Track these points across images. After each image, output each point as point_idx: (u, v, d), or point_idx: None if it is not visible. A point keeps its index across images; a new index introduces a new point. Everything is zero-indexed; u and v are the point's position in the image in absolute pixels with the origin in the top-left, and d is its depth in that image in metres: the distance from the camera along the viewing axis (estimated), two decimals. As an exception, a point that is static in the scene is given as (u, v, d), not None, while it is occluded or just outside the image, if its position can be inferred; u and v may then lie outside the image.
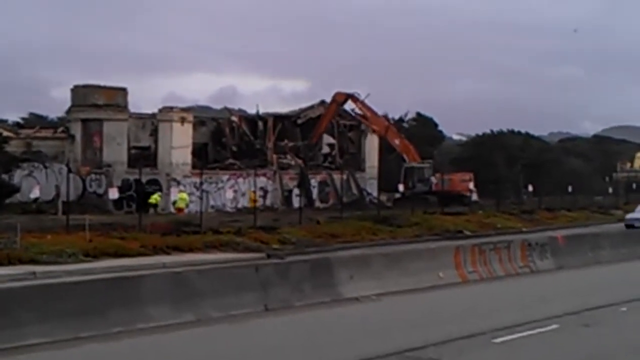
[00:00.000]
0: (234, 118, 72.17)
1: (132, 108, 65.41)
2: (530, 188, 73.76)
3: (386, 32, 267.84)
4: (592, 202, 76.40)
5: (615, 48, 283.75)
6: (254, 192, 55.16)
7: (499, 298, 25.65)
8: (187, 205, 54.67)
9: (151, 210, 54.38)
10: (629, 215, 58.04)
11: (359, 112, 73.77)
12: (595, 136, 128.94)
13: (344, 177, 66.61)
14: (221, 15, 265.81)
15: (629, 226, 53.79)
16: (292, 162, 70.17)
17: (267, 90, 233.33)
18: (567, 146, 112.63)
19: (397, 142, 72.94)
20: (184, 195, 54.69)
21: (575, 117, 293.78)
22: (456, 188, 68.77)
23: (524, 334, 18.94)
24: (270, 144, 70.40)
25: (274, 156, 69.36)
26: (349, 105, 74.46)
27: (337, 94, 73.47)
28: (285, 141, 72.07)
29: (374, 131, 73.73)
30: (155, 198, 55.60)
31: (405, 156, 71.96)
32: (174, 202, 54.37)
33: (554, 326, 19.99)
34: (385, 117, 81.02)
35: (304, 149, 71.82)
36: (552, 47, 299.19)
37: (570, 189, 74.81)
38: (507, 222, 56.49)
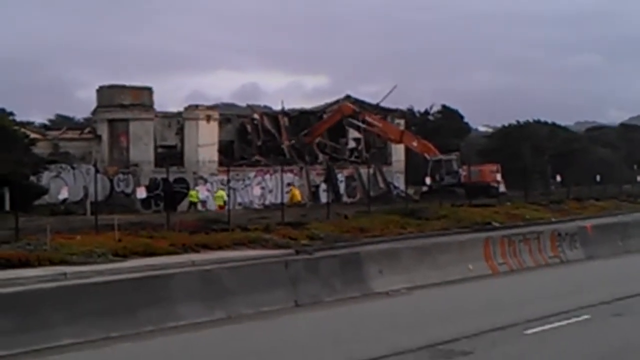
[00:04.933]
0: (256, 115, 72.15)
1: (157, 107, 65.68)
2: (558, 178, 73.46)
3: (404, 25, 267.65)
4: (620, 191, 75.89)
5: (636, 34, 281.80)
6: (292, 185, 55.45)
7: (529, 289, 25.52)
8: (225, 202, 54.59)
9: (192, 208, 54.88)
10: None
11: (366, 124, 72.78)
12: (622, 124, 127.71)
13: (371, 171, 66.46)
14: (240, 13, 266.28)
15: None
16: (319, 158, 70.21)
17: (290, 87, 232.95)
18: (594, 135, 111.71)
19: (414, 144, 72.43)
20: (222, 193, 54.75)
21: (601, 105, 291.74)
22: (486, 179, 68.43)
23: (556, 324, 18.84)
24: (285, 140, 70.16)
25: (292, 152, 69.28)
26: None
27: (344, 106, 73.07)
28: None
29: (390, 140, 73.29)
30: (194, 195, 56.01)
31: (426, 155, 71.60)
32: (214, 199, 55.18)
33: (586, 316, 19.88)
34: (401, 115, 79.73)
35: (301, 146, 71.08)
36: (571, 36, 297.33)
37: (598, 178, 74.39)
38: (536, 213, 56.14)
